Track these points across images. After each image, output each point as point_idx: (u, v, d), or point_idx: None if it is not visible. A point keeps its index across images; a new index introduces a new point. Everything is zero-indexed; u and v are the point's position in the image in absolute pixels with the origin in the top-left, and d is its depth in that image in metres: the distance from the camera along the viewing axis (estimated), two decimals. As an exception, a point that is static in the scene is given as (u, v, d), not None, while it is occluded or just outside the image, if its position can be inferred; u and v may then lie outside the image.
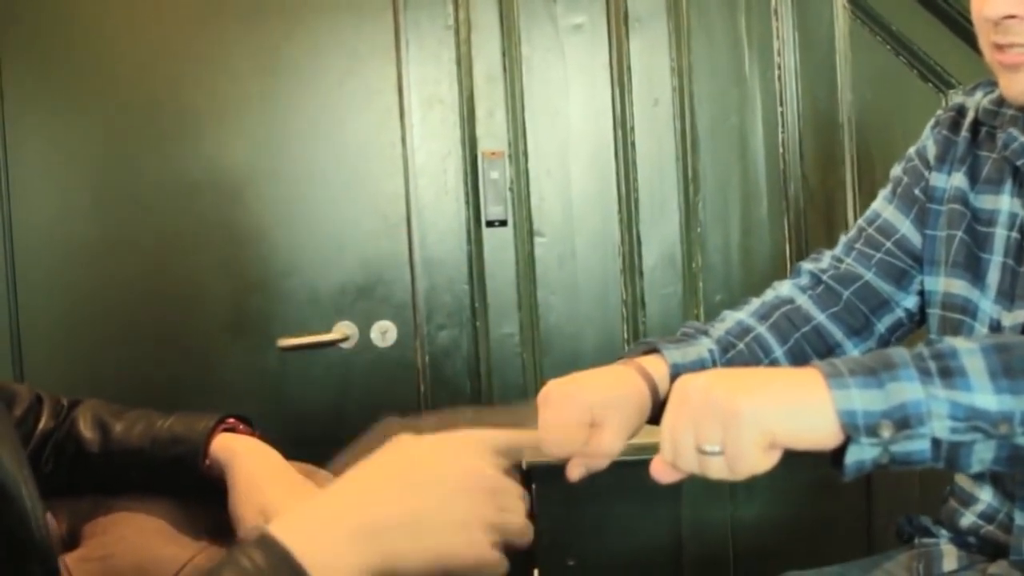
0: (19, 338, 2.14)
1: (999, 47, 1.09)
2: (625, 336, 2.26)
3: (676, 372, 1.14)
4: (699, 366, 1.18)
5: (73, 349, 2.17)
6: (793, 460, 0.85)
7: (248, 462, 1.17)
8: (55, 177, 2.16)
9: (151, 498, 1.22)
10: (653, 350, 1.18)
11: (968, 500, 1.23)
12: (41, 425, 1.23)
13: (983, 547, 1.22)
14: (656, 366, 1.15)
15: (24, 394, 1.24)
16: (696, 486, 2.10)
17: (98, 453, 1.22)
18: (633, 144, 2.26)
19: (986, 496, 1.21)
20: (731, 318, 1.26)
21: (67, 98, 2.16)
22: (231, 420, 1.23)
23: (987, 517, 1.21)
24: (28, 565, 0.98)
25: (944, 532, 1.26)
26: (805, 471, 1.91)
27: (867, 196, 2.07)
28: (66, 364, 2.16)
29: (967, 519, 1.23)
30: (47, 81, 2.14)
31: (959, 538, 1.24)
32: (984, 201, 1.20)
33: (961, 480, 1.25)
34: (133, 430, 1.22)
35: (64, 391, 1.29)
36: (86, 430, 1.23)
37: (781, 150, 2.28)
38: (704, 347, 1.21)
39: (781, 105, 2.27)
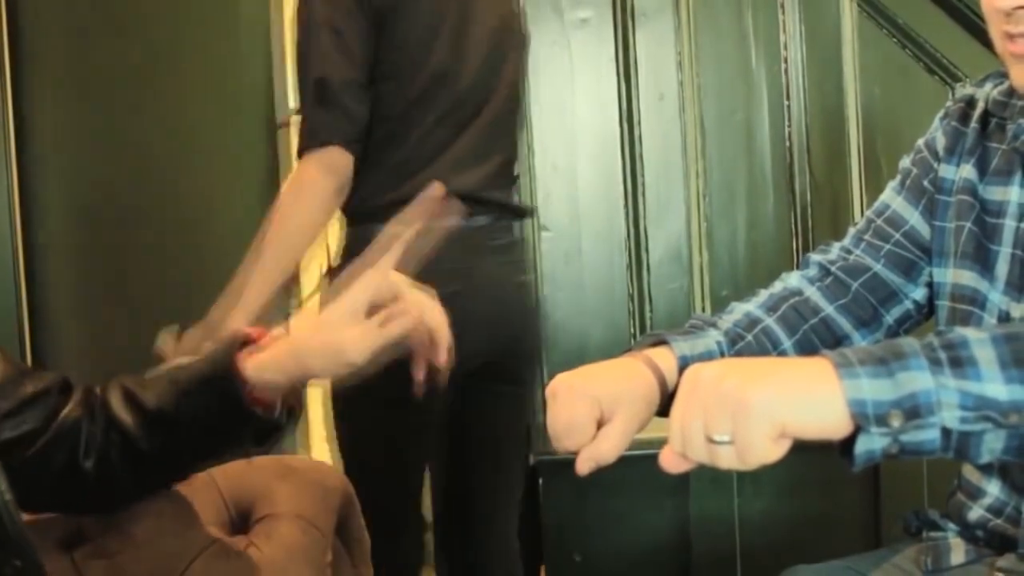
0: (32, 320, 2.14)
1: (1011, 37, 1.09)
2: (632, 330, 2.26)
3: (684, 364, 1.13)
4: (707, 358, 1.17)
5: (86, 324, 2.16)
6: (801, 454, 0.84)
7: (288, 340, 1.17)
8: (70, 149, 2.17)
9: (157, 495, 1.22)
10: (661, 342, 1.17)
11: (976, 493, 1.23)
12: (66, 411, 1.17)
13: (991, 540, 1.21)
14: (664, 358, 1.15)
15: (48, 377, 1.18)
16: (703, 480, 2.11)
17: (144, 441, 1.17)
18: (639, 138, 2.25)
19: (994, 489, 1.21)
20: (739, 310, 1.26)
21: (83, 71, 2.16)
22: (248, 339, 1.18)
23: (995, 511, 1.21)
24: (8, 558, 0.98)
25: (952, 526, 1.26)
26: (813, 465, 1.91)
27: (874, 189, 2.07)
28: (79, 339, 2.14)
29: (975, 513, 1.22)
30: (63, 53, 2.15)
31: (967, 532, 1.24)
32: (993, 192, 1.20)
33: (968, 473, 1.25)
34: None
35: (76, 367, 1.28)
36: (123, 414, 1.16)
37: (787, 144, 2.27)
38: (712, 339, 1.20)
39: (787, 99, 2.27)
